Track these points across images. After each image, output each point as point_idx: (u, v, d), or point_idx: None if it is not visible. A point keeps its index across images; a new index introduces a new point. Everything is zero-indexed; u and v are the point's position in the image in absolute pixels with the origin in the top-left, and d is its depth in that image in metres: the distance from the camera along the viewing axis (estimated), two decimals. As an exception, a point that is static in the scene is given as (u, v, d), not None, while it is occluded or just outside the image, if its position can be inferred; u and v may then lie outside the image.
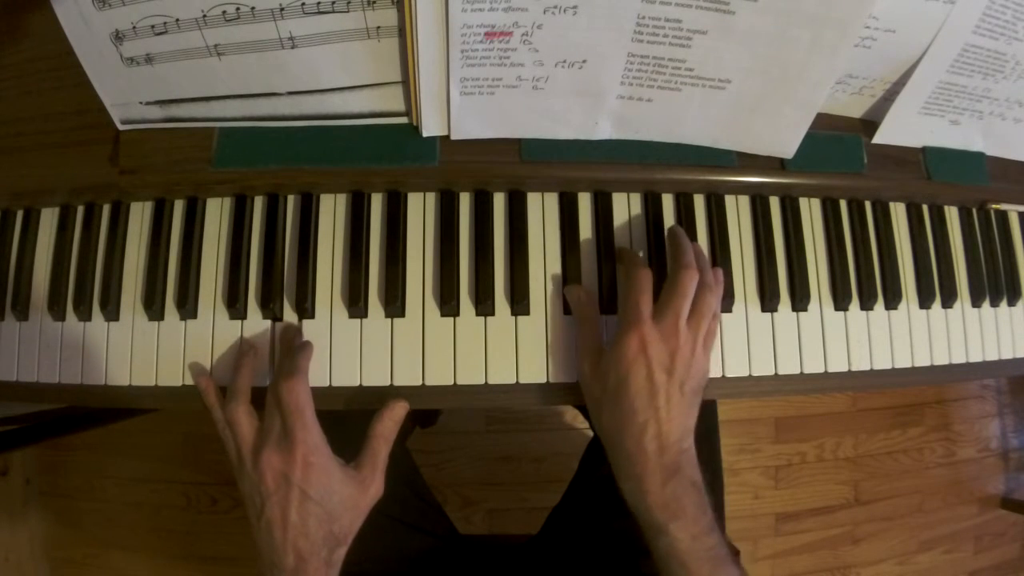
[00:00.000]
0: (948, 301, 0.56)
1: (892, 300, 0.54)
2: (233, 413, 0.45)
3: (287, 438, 0.43)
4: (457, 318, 0.50)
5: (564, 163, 0.50)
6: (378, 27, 0.43)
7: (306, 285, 0.49)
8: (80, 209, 0.53)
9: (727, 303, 0.52)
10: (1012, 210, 0.60)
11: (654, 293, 0.46)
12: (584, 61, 0.44)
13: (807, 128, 0.49)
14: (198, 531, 1.25)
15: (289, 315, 0.50)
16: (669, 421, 0.43)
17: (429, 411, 1.15)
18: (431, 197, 0.52)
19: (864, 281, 0.54)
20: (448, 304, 0.49)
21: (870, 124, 0.54)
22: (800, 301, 0.53)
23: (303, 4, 0.41)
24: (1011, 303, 0.58)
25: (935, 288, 0.56)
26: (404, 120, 0.49)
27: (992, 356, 0.56)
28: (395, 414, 0.47)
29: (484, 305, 0.50)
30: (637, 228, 0.53)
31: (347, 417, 0.60)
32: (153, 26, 0.43)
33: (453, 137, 0.49)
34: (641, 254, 0.52)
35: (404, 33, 0.43)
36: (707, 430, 0.67)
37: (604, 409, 0.45)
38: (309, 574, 0.43)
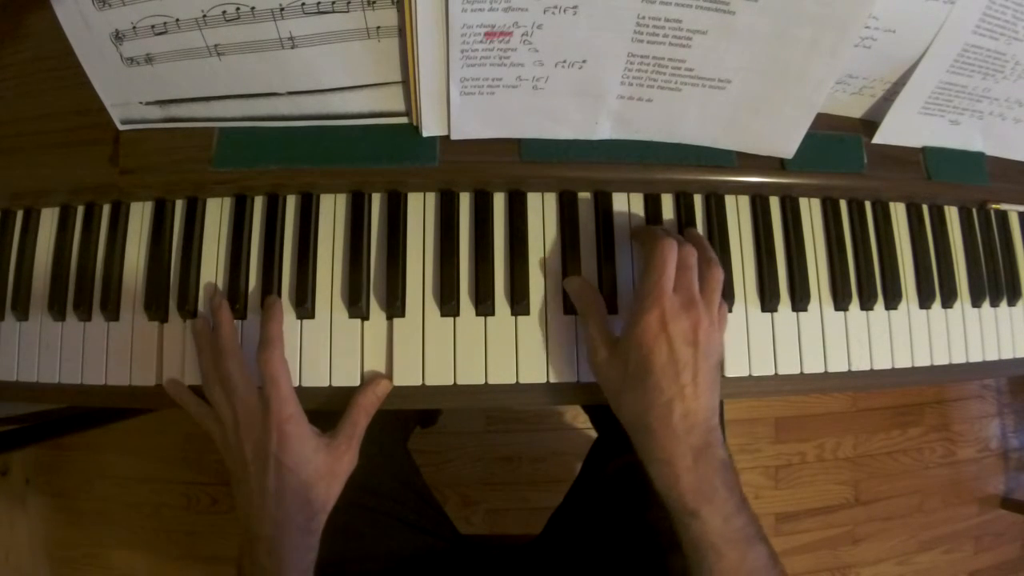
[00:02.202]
0: (948, 301, 0.56)
1: (892, 300, 0.54)
2: (211, 394, 0.46)
3: (264, 408, 0.44)
4: (457, 318, 0.50)
5: (564, 163, 0.50)
6: (378, 27, 0.43)
7: (306, 285, 0.49)
8: (80, 209, 0.53)
9: (727, 304, 0.52)
10: (1012, 210, 0.60)
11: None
12: (584, 61, 0.44)
13: (807, 128, 0.49)
14: (198, 531, 1.25)
15: (289, 315, 0.50)
16: (696, 398, 0.42)
17: (429, 411, 1.15)
18: (431, 197, 0.52)
19: (864, 281, 0.54)
20: (448, 304, 0.49)
21: (870, 124, 0.54)
22: (800, 301, 0.53)
23: (303, 4, 0.41)
24: (1011, 303, 0.58)
25: (935, 288, 0.56)
26: (404, 120, 0.49)
27: (992, 356, 0.56)
28: (379, 389, 0.48)
29: (484, 305, 0.50)
30: (637, 226, 0.53)
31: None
32: (153, 26, 0.43)
33: (453, 137, 0.49)
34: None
35: (404, 33, 0.43)
36: None
37: (626, 393, 0.44)
38: (285, 540, 0.44)
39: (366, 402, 0.48)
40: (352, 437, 0.47)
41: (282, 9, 0.42)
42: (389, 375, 0.49)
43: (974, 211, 0.59)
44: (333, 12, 0.42)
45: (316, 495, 0.45)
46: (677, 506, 0.42)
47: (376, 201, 0.52)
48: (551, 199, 0.53)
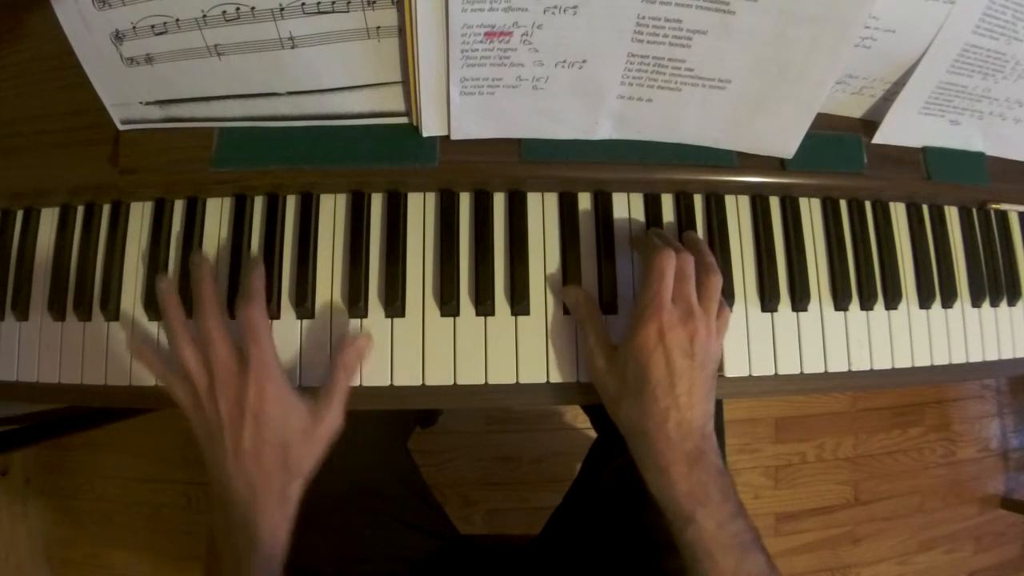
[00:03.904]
0: (948, 301, 0.56)
1: (892, 300, 0.54)
2: (181, 353, 0.44)
3: (243, 364, 0.43)
4: (457, 318, 0.50)
5: (564, 163, 0.50)
6: (378, 27, 0.43)
7: (306, 285, 0.49)
8: (80, 209, 0.53)
9: (727, 303, 0.52)
10: (1012, 210, 0.60)
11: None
12: (584, 61, 0.44)
13: (807, 128, 0.49)
14: (198, 531, 1.25)
15: (289, 315, 0.50)
16: (691, 408, 0.43)
17: (429, 411, 1.15)
18: (431, 197, 0.52)
19: (864, 281, 0.54)
20: (448, 304, 0.49)
21: (870, 124, 0.54)
22: (800, 301, 0.53)
23: (303, 4, 0.41)
24: (1011, 303, 0.58)
25: (935, 288, 0.56)
26: (404, 120, 0.49)
27: (992, 356, 0.56)
28: (359, 346, 0.47)
29: (484, 305, 0.50)
30: (637, 228, 0.53)
31: (346, 417, 0.61)
32: (153, 26, 0.43)
33: (453, 137, 0.49)
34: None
35: (404, 33, 0.43)
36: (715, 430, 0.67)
37: (624, 402, 0.44)
38: (259, 505, 0.42)
39: (347, 361, 0.46)
40: (332, 399, 0.45)
41: (282, 9, 0.42)
42: (389, 374, 0.49)
43: (974, 211, 0.59)
44: (333, 12, 0.42)
45: (294, 456, 0.44)
46: (672, 510, 0.42)
47: (376, 201, 0.52)
48: (551, 199, 0.53)
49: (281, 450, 0.43)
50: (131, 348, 0.48)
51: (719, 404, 0.71)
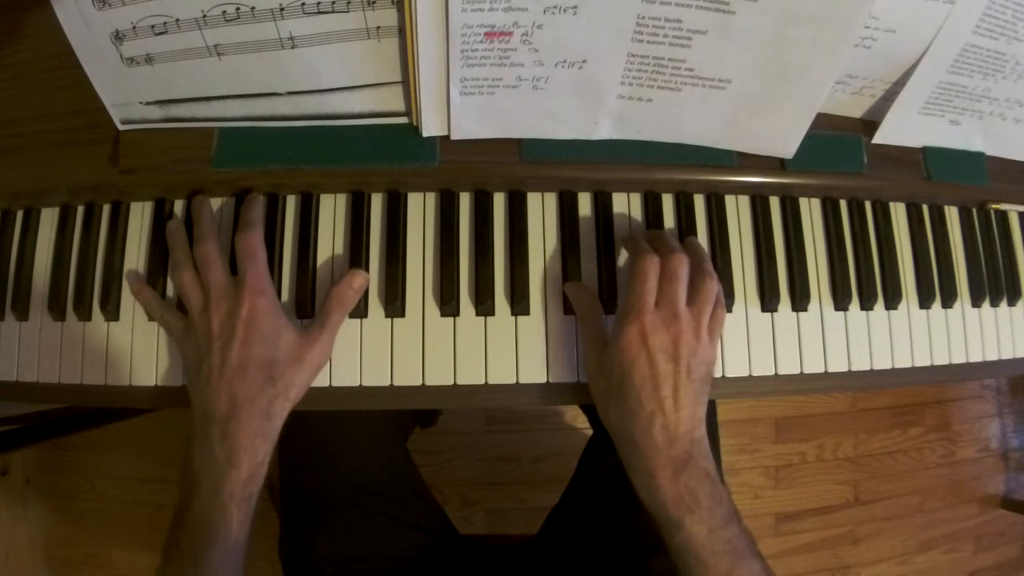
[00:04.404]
0: (948, 301, 0.56)
1: (892, 300, 0.54)
2: (180, 278, 0.46)
3: (238, 282, 0.44)
4: (457, 318, 0.50)
5: (564, 163, 0.50)
6: (378, 27, 0.43)
7: (305, 285, 0.49)
8: (80, 209, 0.53)
9: (727, 303, 0.52)
10: (1012, 210, 0.60)
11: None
12: (584, 61, 0.44)
13: (807, 128, 0.49)
14: (198, 531, 1.25)
15: (290, 314, 0.49)
16: (677, 411, 0.42)
17: (429, 411, 1.15)
18: (431, 197, 0.52)
19: (864, 281, 0.54)
20: (448, 304, 0.49)
21: (870, 124, 0.54)
22: (800, 301, 0.53)
23: (303, 4, 0.41)
24: (1011, 303, 0.58)
25: (935, 288, 0.56)
26: (404, 120, 0.49)
27: (992, 356, 0.56)
28: (355, 281, 0.47)
29: (484, 305, 0.50)
30: (637, 228, 0.53)
31: (346, 417, 0.61)
32: (153, 26, 0.43)
33: (453, 137, 0.49)
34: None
35: (404, 33, 0.43)
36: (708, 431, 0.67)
37: (611, 403, 0.44)
38: (242, 420, 0.42)
39: (341, 294, 0.47)
40: (323, 325, 0.46)
41: (282, 9, 0.42)
42: (389, 374, 0.49)
43: (974, 211, 0.59)
44: (333, 12, 0.42)
45: (280, 374, 0.44)
46: (660, 516, 0.42)
47: (376, 201, 0.52)
48: (551, 199, 0.53)
49: (268, 365, 0.43)
50: (131, 289, 0.49)
51: (712, 406, 0.70)
